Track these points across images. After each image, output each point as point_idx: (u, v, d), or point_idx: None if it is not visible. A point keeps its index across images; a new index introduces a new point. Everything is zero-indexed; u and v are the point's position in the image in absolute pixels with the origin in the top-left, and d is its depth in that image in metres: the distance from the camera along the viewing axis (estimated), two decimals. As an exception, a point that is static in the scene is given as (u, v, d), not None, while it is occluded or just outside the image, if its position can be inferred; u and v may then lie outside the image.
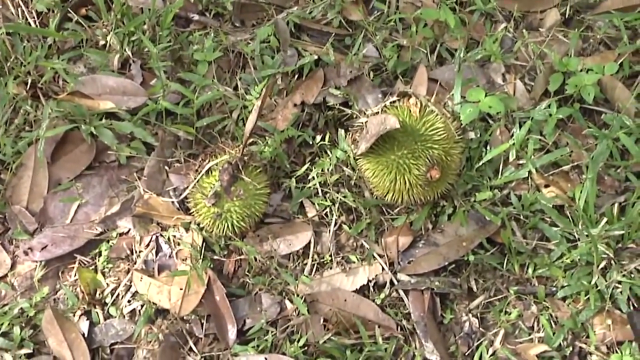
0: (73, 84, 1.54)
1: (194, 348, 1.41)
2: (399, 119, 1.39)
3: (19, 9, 1.61)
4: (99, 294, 1.45)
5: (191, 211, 1.47)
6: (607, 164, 1.52)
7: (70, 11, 1.60)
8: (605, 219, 1.44)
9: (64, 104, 1.51)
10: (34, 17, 1.61)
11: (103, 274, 1.47)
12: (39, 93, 1.55)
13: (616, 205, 1.46)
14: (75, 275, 1.46)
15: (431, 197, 1.46)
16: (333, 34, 1.62)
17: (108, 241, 1.49)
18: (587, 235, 1.41)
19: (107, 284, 1.46)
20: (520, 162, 1.51)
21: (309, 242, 1.49)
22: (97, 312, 1.44)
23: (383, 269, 1.46)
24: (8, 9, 1.60)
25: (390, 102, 1.48)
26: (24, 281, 1.46)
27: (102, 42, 1.59)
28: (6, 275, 1.46)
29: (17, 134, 1.53)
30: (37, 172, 1.52)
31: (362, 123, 1.43)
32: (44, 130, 1.49)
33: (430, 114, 1.43)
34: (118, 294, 1.45)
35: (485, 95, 1.51)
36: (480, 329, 1.44)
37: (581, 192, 1.46)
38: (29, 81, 1.55)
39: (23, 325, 1.42)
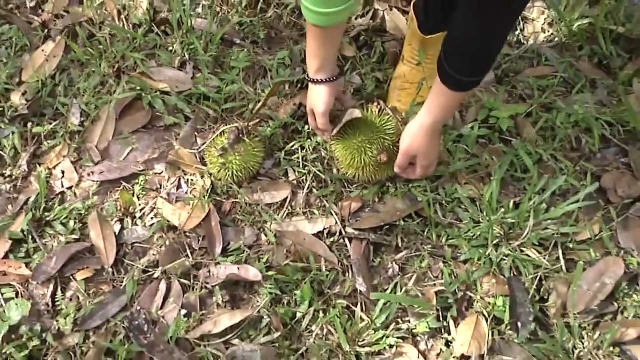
0: (145, 70, 1.90)
1: (190, 255, 1.68)
2: (363, 113, 1.71)
3: (122, 21, 2.00)
4: (132, 210, 1.75)
5: (206, 162, 1.79)
6: (513, 176, 1.78)
7: (154, 26, 1.98)
8: (502, 210, 1.69)
9: (134, 79, 1.87)
10: (130, 26, 1.99)
11: (138, 197, 1.77)
12: (121, 74, 1.92)
13: (512, 202, 1.70)
14: (118, 194, 1.77)
15: (380, 177, 1.73)
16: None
17: (146, 176, 1.80)
18: (488, 220, 1.67)
19: (139, 204, 1.76)
20: (449, 164, 1.79)
21: (287, 198, 1.76)
22: (127, 221, 1.73)
23: (336, 222, 1.72)
24: (114, 20, 2.00)
25: (360, 104, 1.81)
26: (83, 192, 1.78)
27: (170, 48, 1.95)
28: (72, 187, 1.78)
29: (100, 97, 1.89)
30: (108, 124, 1.86)
31: (338, 115, 1.76)
32: (117, 94, 1.87)
33: (387, 115, 1.73)
34: (144, 212, 1.75)
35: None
36: (399, 274, 1.68)
37: (488, 189, 1.77)
38: (116, 66, 1.92)
39: (76, 220, 1.72)
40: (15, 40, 1.98)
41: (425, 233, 1.72)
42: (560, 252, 1.68)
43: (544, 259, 1.66)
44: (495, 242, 1.68)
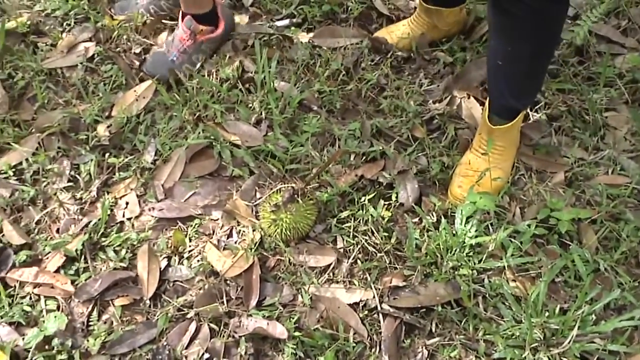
0: (221, 121, 2.02)
1: (225, 302, 1.71)
2: None
3: (212, 75, 2.15)
4: (181, 249, 1.81)
5: (259, 216, 1.86)
6: (566, 282, 1.71)
7: (239, 82, 2.09)
8: (547, 314, 1.64)
9: (209, 128, 1.98)
10: (217, 80, 2.11)
11: (190, 238, 1.83)
12: (200, 121, 2.02)
13: (558, 307, 1.65)
14: (171, 233, 1.84)
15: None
16: (397, 140, 1.98)
17: (201, 220, 1.86)
18: (530, 321, 1.64)
19: (189, 245, 1.82)
20: (501, 259, 1.75)
21: (331, 264, 1.77)
22: (175, 259, 1.79)
23: (374, 296, 1.71)
24: (204, 75, 2.13)
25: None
26: (140, 225, 1.86)
27: (250, 105, 2.05)
28: (132, 218, 1.87)
29: (175, 140, 1.99)
30: (177, 165, 1.95)
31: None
32: (191, 139, 1.99)
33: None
34: (192, 254, 1.81)
35: (480, 198, 1.78)
36: (428, 360, 1.68)
37: (535, 289, 1.71)
38: (197, 114, 2.03)
39: (128, 250, 1.80)
40: (114, 78, 2.14)
41: (462, 323, 1.67)
42: (605, 369, 1.57)
43: (584, 373, 1.55)
44: (533, 345, 1.60)
